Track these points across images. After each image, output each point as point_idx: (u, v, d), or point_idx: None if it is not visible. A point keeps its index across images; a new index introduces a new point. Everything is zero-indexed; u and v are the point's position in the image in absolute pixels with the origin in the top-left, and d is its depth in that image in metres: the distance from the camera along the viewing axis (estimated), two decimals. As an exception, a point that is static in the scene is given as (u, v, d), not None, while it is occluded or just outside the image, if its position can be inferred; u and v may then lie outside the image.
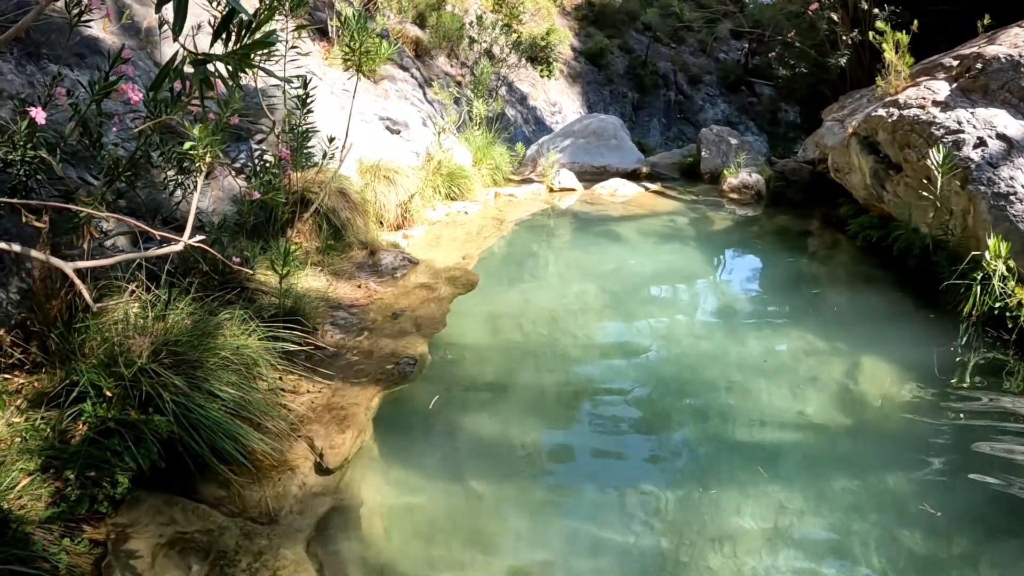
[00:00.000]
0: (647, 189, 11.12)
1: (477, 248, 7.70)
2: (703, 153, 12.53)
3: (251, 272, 5.32)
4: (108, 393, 3.54)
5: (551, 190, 10.86)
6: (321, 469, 3.72)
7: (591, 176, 11.73)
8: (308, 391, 4.39)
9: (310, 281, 6.05)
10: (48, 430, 3.39)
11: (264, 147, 7.06)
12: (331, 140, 6.29)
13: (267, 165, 6.56)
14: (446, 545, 3.29)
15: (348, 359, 4.86)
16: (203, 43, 6.80)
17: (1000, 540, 3.33)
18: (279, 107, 6.68)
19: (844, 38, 10.76)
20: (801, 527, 3.36)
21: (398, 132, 10.21)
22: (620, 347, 5.33)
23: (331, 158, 6.44)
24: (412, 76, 12.42)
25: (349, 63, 6.38)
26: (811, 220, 9.95)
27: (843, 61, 10.98)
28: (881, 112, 8.30)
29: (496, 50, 15.47)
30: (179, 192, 5.05)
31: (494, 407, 4.51)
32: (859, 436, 4.11)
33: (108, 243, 4.93)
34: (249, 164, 6.94)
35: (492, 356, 5.20)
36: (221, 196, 6.93)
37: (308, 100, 5.91)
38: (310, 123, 5.99)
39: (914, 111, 7.86)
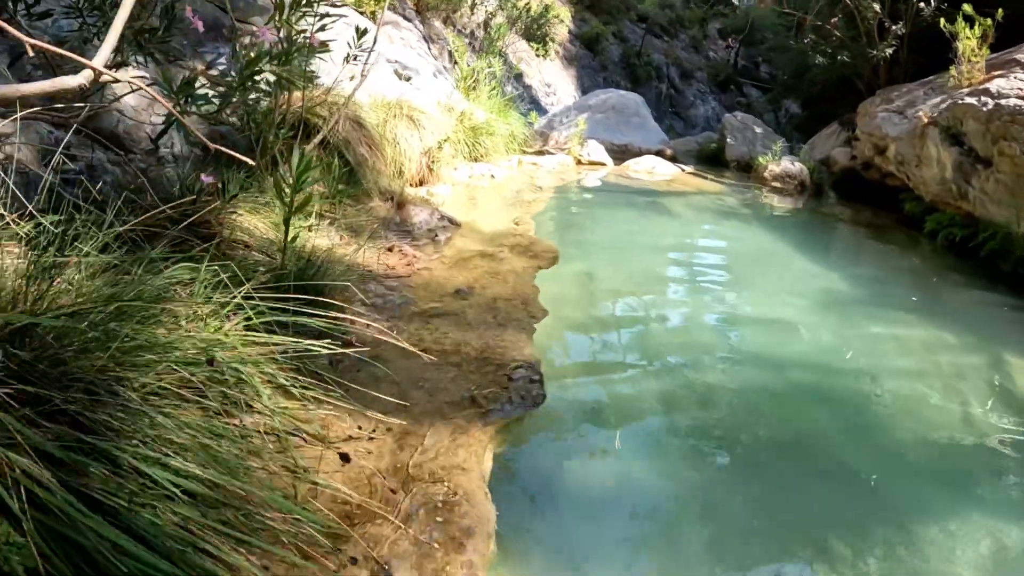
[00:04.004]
0: (683, 170, 8.89)
1: (526, 212, 5.32)
2: (728, 140, 10.37)
3: (229, 209, 2.79)
4: None
5: (579, 162, 8.54)
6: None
7: (612, 154, 9.44)
8: (350, 436, 1.92)
9: (316, 238, 3.54)
10: None
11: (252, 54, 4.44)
12: (361, 32, 3.77)
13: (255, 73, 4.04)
14: None
15: (405, 364, 2.39)
16: None
17: None
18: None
19: (892, 28, 8.93)
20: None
21: (409, 79, 7.68)
22: (753, 344, 3.67)
23: (355, 61, 3.92)
24: (416, 28, 9.88)
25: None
26: (872, 214, 7.99)
27: (889, 52, 9.15)
28: (970, 101, 6.46)
29: (496, 20, 13.04)
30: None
31: (676, 446, 2.38)
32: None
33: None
34: (231, 74, 4.37)
35: (632, 362, 2.84)
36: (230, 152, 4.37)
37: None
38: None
39: (1014, 101, 6.03)
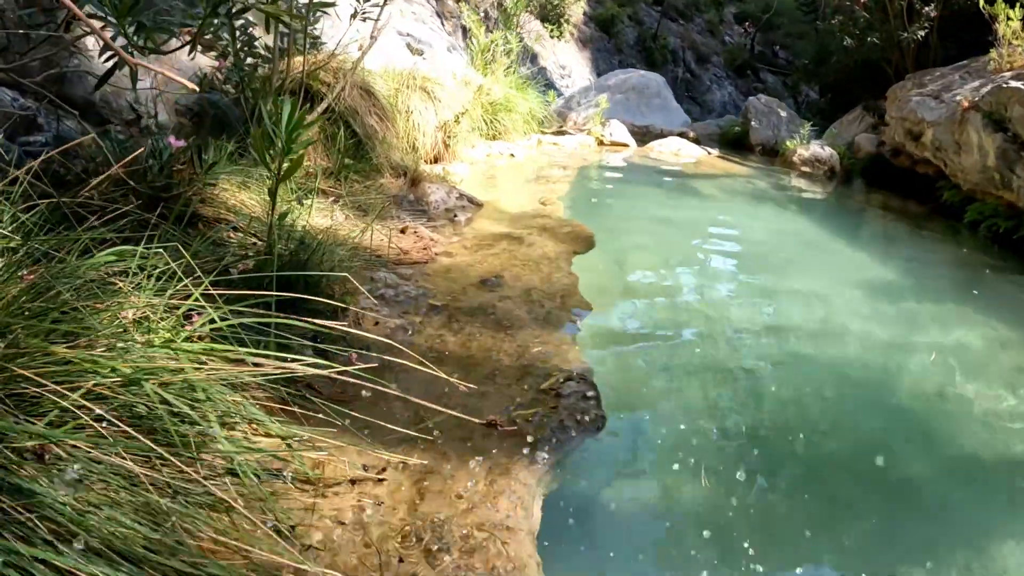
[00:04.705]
0: (709, 153, 8.31)
1: (551, 192, 4.78)
2: (753, 123, 9.75)
3: (208, 181, 2.25)
4: None
5: (600, 143, 7.97)
6: None
7: (633, 136, 8.86)
8: (352, 480, 1.38)
9: (316, 217, 2.99)
10: None
11: (250, 17, 3.87)
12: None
13: (252, 38, 3.52)
14: None
15: (423, 376, 1.83)
16: None
17: None
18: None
19: (924, 10, 8.37)
20: None
21: (420, 53, 7.10)
22: (812, 341, 3.14)
23: (363, 16, 3.36)
24: (428, 3, 9.27)
25: None
26: (904, 202, 7.41)
27: (921, 35, 8.59)
28: (1016, 85, 5.96)
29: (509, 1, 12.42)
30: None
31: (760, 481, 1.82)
32: None
33: None
34: (225, 36, 3.82)
35: (690, 366, 2.31)
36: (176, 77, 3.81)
37: None
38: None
39: (1064, 85, 5.50)
